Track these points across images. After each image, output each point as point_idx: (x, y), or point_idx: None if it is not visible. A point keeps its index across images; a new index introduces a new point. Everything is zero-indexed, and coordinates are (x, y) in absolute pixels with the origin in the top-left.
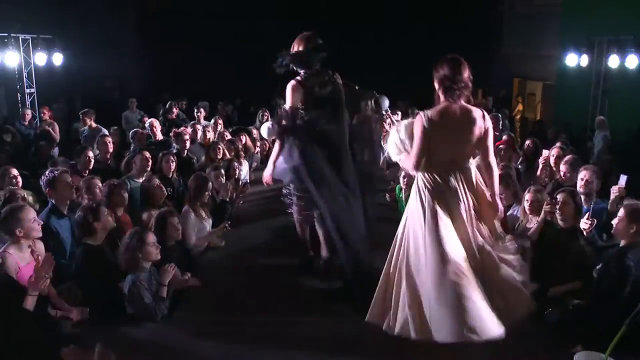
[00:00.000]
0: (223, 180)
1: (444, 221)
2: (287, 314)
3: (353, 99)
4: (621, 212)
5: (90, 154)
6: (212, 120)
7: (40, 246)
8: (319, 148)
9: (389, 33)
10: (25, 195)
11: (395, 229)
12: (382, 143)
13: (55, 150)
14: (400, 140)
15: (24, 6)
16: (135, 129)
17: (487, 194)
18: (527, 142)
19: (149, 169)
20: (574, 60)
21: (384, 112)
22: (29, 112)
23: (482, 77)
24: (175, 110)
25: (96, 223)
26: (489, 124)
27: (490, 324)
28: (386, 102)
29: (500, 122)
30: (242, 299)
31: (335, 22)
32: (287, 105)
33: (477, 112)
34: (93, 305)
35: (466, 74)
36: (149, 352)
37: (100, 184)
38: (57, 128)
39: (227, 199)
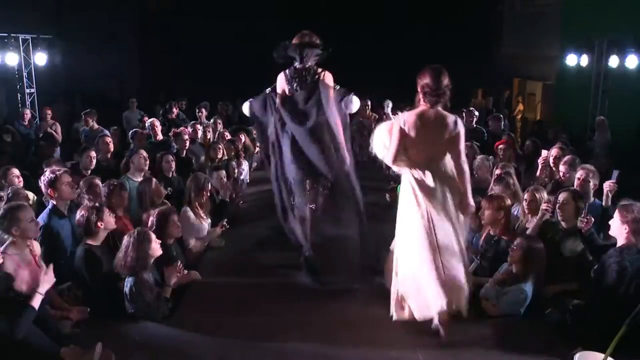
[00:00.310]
0: (224, 180)
1: (421, 210)
2: (287, 313)
3: (338, 96)
4: (616, 212)
5: (93, 153)
6: (212, 120)
7: (36, 246)
8: (286, 138)
9: (389, 33)
10: (28, 195)
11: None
12: None
13: (58, 151)
14: (382, 140)
15: (24, 6)
16: (135, 129)
17: (459, 191)
18: (527, 142)
19: (146, 167)
20: (574, 60)
21: (389, 113)
22: (28, 112)
23: (482, 77)
24: (175, 110)
25: (100, 223)
26: (461, 129)
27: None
28: (354, 104)
29: (502, 123)
30: (242, 299)
31: (335, 22)
32: (273, 89)
33: (450, 118)
34: (93, 305)
35: (445, 82)
36: (149, 352)
37: (100, 184)
38: (59, 128)
39: (227, 199)
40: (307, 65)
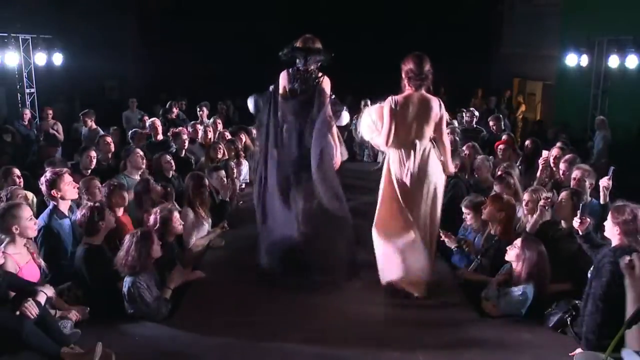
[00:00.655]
0: (224, 180)
1: (397, 190)
2: (287, 313)
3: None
4: (609, 214)
5: (93, 153)
6: (212, 120)
7: (33, 246)
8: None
9: (389, 33)
10: (27, 195)
11: None
12: None
13: (59, 151)
14: (372, 122)
15: (24, 6)
16: (134, 129)
17: (441, 162)
18: (527, 142)
19: (144, 166)
20: (574, 60)
21: None
22: (27, 112)
23: (482, 77)
24: (175, 110)
25: (101, 222)
26: (444, 111)
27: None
28: (344, 119)
29: (502, 122)
30: (242, 299)
31: (335, 22)
32: (275, 87)
33: (434, 101)
34: (93, 305)
35: (427, 67)
36: (149, 352)
37: (99, 185)
38: (60, 128)
39: (227, 199)
40: (309, 68)
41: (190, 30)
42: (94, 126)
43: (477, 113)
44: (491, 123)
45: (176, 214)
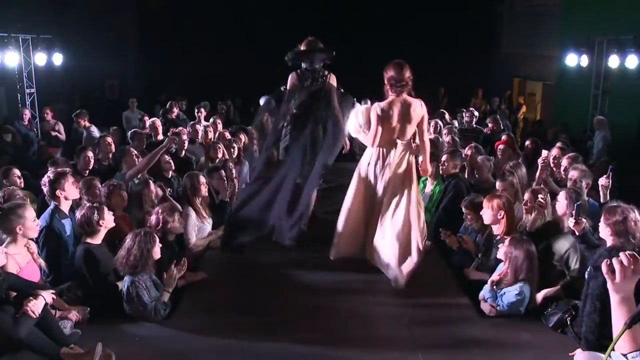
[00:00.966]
0: (224, 180)
1: (370, 182)
2: (287, 313)
3: (340, 98)
4: (602, 215)
5: (90, 154)
6: (211, 120)
7: (32, 244)
8: (293, 129)
9: (389, 33)
10: (24, 196)
11: None
12: None
13: (59, 151)
14: (359, 125)
15: (24, 6)
16: (134, 129)
17: (420, 162)
18: (527, 142)
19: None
20: (574, 60)
21: None
22: (27, 111)
23: (482, 77)
24: (175, 110)
25: (101, 222)
26: (425, 112)
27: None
28: (358, 106)
29: (501, 123)
30: (242, 299)
31: (335, 22)
32: (285, 87)
33: (415, 103)
34: (93, 305)
35: (407, 74)
36: (149, 352)
37: (99, 185)
38: (62, 128)
39: (227, 199)
40: (315, 67)
41: (191, 30)
42: (88, 124)
43: (476, 113)
44: (490, 125)
45: (177, 214)
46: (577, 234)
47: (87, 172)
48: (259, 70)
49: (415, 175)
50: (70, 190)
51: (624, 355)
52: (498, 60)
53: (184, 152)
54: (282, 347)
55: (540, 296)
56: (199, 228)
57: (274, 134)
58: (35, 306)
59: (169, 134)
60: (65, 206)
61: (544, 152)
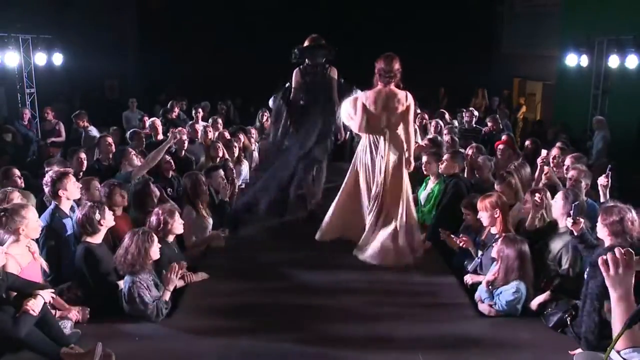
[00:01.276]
0: (224, 180)
1: (364, 170)
2: (287, 313)
3: (341, 89)
4: (599, 215)
5: (83, 155)
6: (211, 120)
7: (33, 244)
8: (299, 120)
9: (389, 34)
10: (25, 196)
11: None
12: None
13: (60, 152)
14: (348, 112)
15: (24, 6)
16: (133, 129)
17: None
18: (527, 142)
19: (139, 163)
20: (574, 60)
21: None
22: (27, 111)
23: (482, 77)
24: (176, 110)
25: (102, 221)
26: (411, 103)
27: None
28: (358, 92)
29: (501, 123)
30: (242, 299)
31: (335, 23)
32: (290, 84)
33: (401, 94)
34: (93, 305)
35: (396, 66)
36: (149, 352)
37: (99, 185)
38: (62, 128)
39: (227, 199)
40: (317, 62)
41: (190, 31)
42: (87, 125)
43: (476, 113)
44: (489, 124)
45: (177, 214)
46: (575, 234)
47: (81, 173)
48: (259, 70)
49: (405, 168)
50: (72, 190)
51: (618, 352)
52: (498, 60)
53: (183, 151)
54: (282, 347)
55: (535, 304)
56: (200, 227)
57: (284, 127)
58: (35, 305)
59: (168, 134)
60: (65, 206)
61: (543, 152)
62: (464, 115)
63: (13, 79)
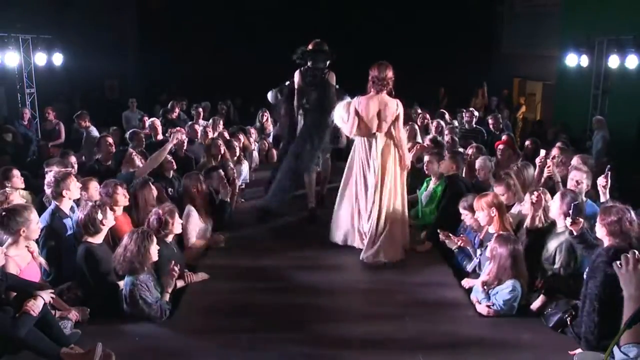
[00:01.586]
0: (224, 180)
1: (360, 171)
2: (287, 314)
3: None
4: (598, 215)
5: (73, 158)
6: (211, 121)
7: (32, 243)
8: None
9: (389, 34)
10: (24, 196)
11: None
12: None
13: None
14: (340, 115)
15: (24, 6)
16: (133, 130)
17: (398, 156)
18: (527, 142)
19: (141, 164)
20: (574, 60)
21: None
22: (27, 111)
23: (482, 77)
24: (177, 110)
25: (104, 221)
26: (401, 110)
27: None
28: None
29: (501, 123)
30: (242, 299)
31: (335, 23)
32: (291, 83)
33: (392, 102)
34: (93, 305)
35: (389, 74)
36: (149, 352)
37: (97, 185)
38: (63, 128)
39: (227, 199)
40: (317, 66)
41: (190, 31)
42: (88, 125)
43: (476, 113)
44: (490, 122)
45: (177, 214)
46: (575, 233)
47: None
48: (259, 70)
49: (399, 168)
50: (74, 191)
51: (619, 347)
52: (498, 60)
53: (183, 151)
54: (282, 347)
55: (534, 308)
56: (200, 228)
57: (290, 127)
58: (35, 305)
59: (167, 134)
60: (66, 206)
61: (542, 152)
62: (464, 115)
63: (13, 79)
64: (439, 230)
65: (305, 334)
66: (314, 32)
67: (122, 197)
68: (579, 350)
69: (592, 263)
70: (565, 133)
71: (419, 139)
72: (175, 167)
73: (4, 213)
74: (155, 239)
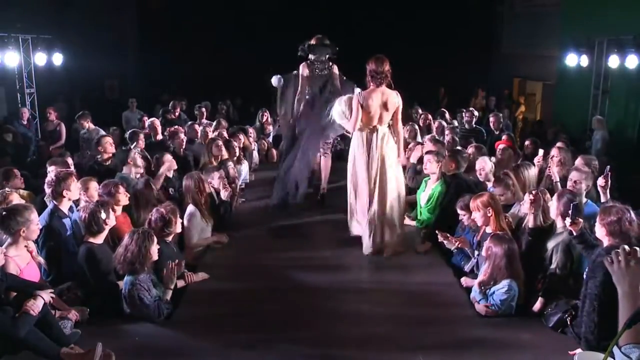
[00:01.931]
0: (224, 180)
1: (363, 163)
2: (287, 313)
3: (343, 84)
4: (597, 215)
5: (70, 160)
6: (215, 123)
7: (32, 244)
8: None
9: (389, 34)
10: (24, 196)
11: None
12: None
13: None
14: (342, 111)
15: (24, 6)
16: (132, 130)
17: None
18: (527, 142)
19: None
20: (574, 60)
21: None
22: (26, 111)
23: (482, 77)
24: (177, 110)
25: (107, 220)
26: (400, 102)
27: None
28: (357, 90)
29: (502, 123)
30: (242, 299)
31: (336, 23)
32: (297, 73)
33: (392, 94)
34: (93, 305)
35: (387, 67)
36: (149, 352)
37: (97, 185)
38: (64, 128)
39: (227, 199)
40: (321, 59)
41: (190, 31)
42: (92, 126)
43: (476, 113)
44: (492, 120)
45: (177, 217)
46: (574, 234)
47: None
48: (259, 70)
49: (397, 160)
50: (74, 191)
51: (619, 347)
52: (498, 60)
53: (182, 150)
54: (282, 347)
55: (535, 309)
56: (202, 229)
57: (294, 117)
58: (35, 305)
59: (165, 133)
60: (65, 206)
61: (541, 152)
62: (464, 115)
63: (13, 79)
64: (437, 232)
65: (305, 333)
66: (314, 32)
67: (124, 196)
68: (579, 350)
69: (592, 263)
70: (565, 133)
71: (419, 139)
72: (176, 166)
73: (4, 213)
74: (155, 239)
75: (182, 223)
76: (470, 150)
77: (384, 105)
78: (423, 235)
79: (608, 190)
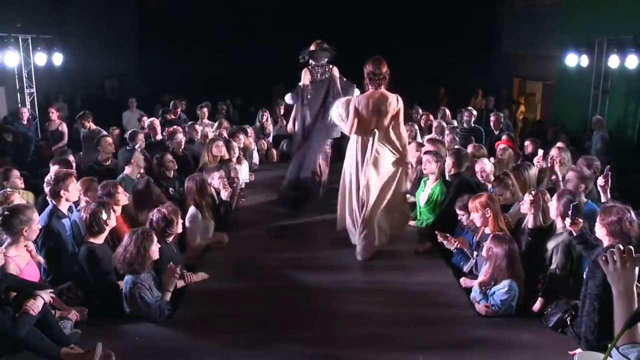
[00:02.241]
0: (224, 180)
1: (355, 168)
2: (287, 313)
3: (344, 86)
4: (598, 215)
5: (71, 157)
6: (217, 122)
7: (30, 244)
8: (309, 111)
9: (389, 34)
10: (24, 196)
11: None
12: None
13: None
14: (339, 114)
15: (24, 6)
16: (132, 130)
17: (399, 152)
18: (527, 142)
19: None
20: (574, 60)
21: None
22: (26, 110)
23: (482, 77)
24: (178, 110)
25: (108, 221)
26: (401, 105)
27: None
28: (356, 92)
29: (502, 123)
30: (242, 299)
31: (335, 23)
32: (302, 83)
33: (392, 97)
34: (93, 305)
35: (384, 69)
36: (149, 352)
37: (97, 186)
38: (65, 128)
39: (227, 199)
40: (320, 63)
41: (190, 31)
42: (93, 126)
43: (475, 112)
44: (492, 119)
45: (178, 217)
46: (574, 234)
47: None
48: (259, 70)
49: (395, 163)
50: (73, 192)
51: (617, 347)
52: (498, 60)
53: (181, 150)
54: (282, 347)
55: (535, 309)
56: (204, 229)
57: (300, 119)
58: (34, 305)
59: (164, 133)
60: (64, 206)
61: (540, 152)
62: (463, 115)
63: (13, 79)
64: (436, 232)
65: (305, 334)
66: (314, 32)
67: (123, 196)
68: (579, 350)
69: (592, 263)
70: (565, 133)
71: (419, 139)
72: (176, 167)
73: (7, 213)
74: (155, 239)
75: (183, 224)
76: (470, 149)
77: (382, 109)
78: (423, 235)
79: (608, 190)
